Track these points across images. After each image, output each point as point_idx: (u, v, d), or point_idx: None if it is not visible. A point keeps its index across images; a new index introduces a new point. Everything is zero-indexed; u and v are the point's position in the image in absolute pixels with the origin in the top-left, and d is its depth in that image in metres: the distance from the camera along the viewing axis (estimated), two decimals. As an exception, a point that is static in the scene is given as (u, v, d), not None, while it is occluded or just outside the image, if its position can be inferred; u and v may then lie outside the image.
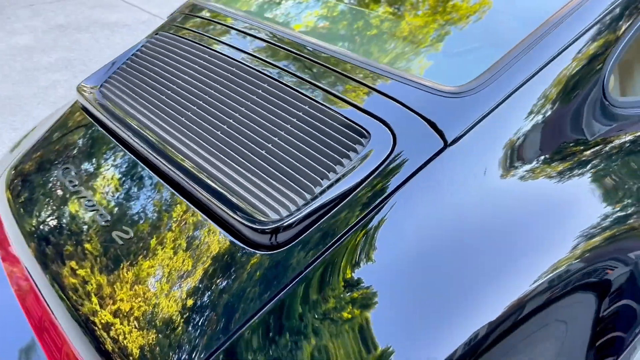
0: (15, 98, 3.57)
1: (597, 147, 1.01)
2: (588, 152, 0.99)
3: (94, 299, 0.95)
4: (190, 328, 0.85)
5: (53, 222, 1.13)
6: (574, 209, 0.94)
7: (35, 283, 1.10)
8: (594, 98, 1.01)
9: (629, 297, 0.94)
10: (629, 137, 1.05)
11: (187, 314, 0.87)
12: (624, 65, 1.13)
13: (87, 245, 1.04)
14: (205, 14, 1.51)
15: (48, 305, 1.05)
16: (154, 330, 0.87)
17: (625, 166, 1.02)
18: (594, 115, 1.02)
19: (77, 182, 1.18)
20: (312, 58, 1.16)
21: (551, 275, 0.86)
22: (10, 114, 3.36)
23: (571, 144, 0.98)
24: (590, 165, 0.98)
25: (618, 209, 0.96)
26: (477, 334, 0.79)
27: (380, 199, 0.89)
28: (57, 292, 1.02)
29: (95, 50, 4.37)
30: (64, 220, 1.12)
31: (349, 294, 0.83)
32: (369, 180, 0.91)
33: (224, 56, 1.25)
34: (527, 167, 0.94)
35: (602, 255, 0.91)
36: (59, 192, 1.19)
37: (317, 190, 0.92)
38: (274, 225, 0.89)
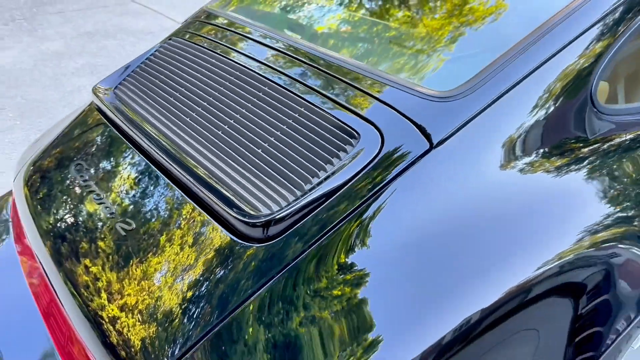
0: (43, 101, 3.71)
1: (581, 153, 1.03)
2: (572, 157, 1.02)
3: (98, 285, 1.02)
4: (187, 309, 0.91)
5: (65, 215, 1.20)
6: (555, 211, 0.97)
7: (45, 272, 1.17)
8: (580, 105, 1.04)
9: (606, 295, 0.97)
10: (612, 143, 1.08)
11: (185, 298, 0.92)
12: (616, 74, 1.16)
13: (93, 235, 1.11)
14: (216, 21, 1.58)
15: (56, 294, 1.12)
16: (154, 312, 0.93)
17: (608, 171, 1.04)
18: (581, 122, 1.04)
19: (88, 177, 1.25)
20: (308, 63, 1.21)
21: (530, 274, 0.89)
22: (38, 116, 3.49)
23: (555, 149, 1.01)
24: (573, 170, 1.01)
25: (598, 212, 0.99)
26: (458, 329, 0.83)
27: (366, 197, 0.94)
28: (65, 281, 1.09)
29: (120, 57, 4.50)
30: (75, 213, 1.19)
31: (335, 281, 0.87)
32: (356, 178, 0.96)
33: (229, 61, 1.32)
34: (509, 170, 0.97)
35: (580, 256, 0.94)
36: (72, 187, 1.26)
37: (308, 187, 0.97)
38: (265, 219, 0.94)
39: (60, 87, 3.95)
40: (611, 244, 0.97)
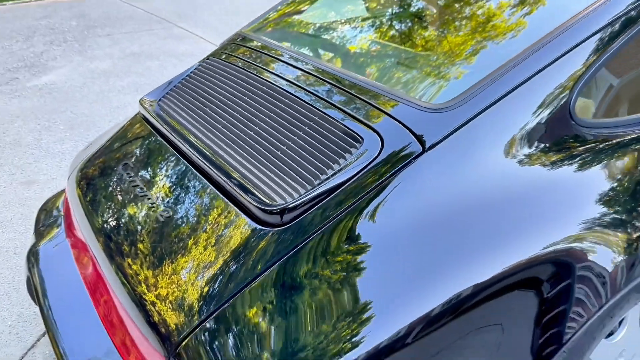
0: (91, 116, 4.00)
1: (556, 160, 1.18)
2: (547, 164, 1.16)
3: (138, 262, 1.20)
4: (216, 278, 1.08)
5: (113, 203, 1.40)
6: (529, 209, 1.11)
7: (92, 254, 1.37)
8: (559, 118, 1.19)
9: (572, 284, 1.10)
10: (589, 151, 1.22)
11: (215, 269, 1.10)
12: (594, 92, 1.30)
13: (135, 221, 1.30)
14: (249, 43, 1.78)
15: (102, 271, 1.31)
16: (190, 280, 1.11)
17: (582, 176, 1.18)
18: (559, 133, 1.19)
19: (133, 174, 1.45)
20: (323, 79, 1.40)
21: (503, 266, 1.04)
22: (85, 130, 3.77)
23: (532, 155, 1.16)
24: (547, 174, 1.15)
25: (569, 209, 1.13)
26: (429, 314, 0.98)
27: (366, 191, 1.11)
28: (109, 259, 1.28)
29: (162, 76, 4.80)
30: (121, 202, 1.39)
31: (335, 259, 1.04)
32: (358, 176, 1.13)
33: (257, 77, 1.51)
34: (489, 171, 1.12)
35: (548, 250, 1.08)
36: (119, 181, 1.46)
37: (317, 182, 1.14)
38: (280, 208, 1.12)
39: (106, 103, 4.25)
40: (575, 241, 1.11)
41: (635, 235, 1.18)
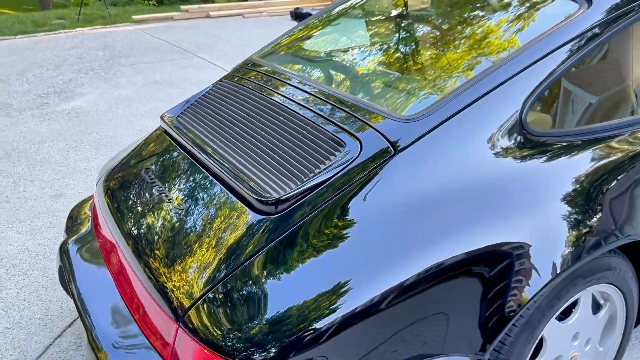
0: (115, 137, 4.31)
1: (506, 163, 1.39)
2: (497, 165, 1.38)
3: (158, 246, 1.43)
4: (222, 257, 1.31)
5: (136, 200, 1.64)
6: (480, 204, 1.32)
7: (116, 242, 1.60)
8: (511, 126, 1.40)
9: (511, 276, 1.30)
10: (538, 157, 1.43)
11: (220, 250, 1.32)
12: (546, 105, 1.53)
13: (154, 213, 1.54)
14: (257, 68, 2.05)
15: (125, 257, 1.54)
16: (198, 261, 1.33)
17: (529, 179, 1.39)
18: (510, 139, 1.41)
19: (154, 176, 1.70)
20: (315, 95, 1.64)
21: (455, 254, 1.25)
22: (110, 150, 4.07)
23: (485, 158, 1.37)
24: (497, 174, 1.37)
25: (518, 204, 1.34)
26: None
27: (345, 186, 1.33)
28: (130, 244, 1.51)
29: (182, 102, 5.11)
30: (143, 199, 1.63)
31: (319, 240, 1.26)
32: (339, 174, 1.35)
33: (262, 95, 1.76)
34: (450, 168, 1.34)
35: (490, 242, 1.29)
36: (141, 182, 1.71)
37: (306, 179, 1.37)
38: (274, 199, 1.34)
39: (130, 126, 4.56)
40: (519, 229, 1.32)
41: (573, 224, 1.37)
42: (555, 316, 1.43)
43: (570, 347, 1.55)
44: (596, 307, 1.63)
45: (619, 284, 1.57)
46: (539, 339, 1.42)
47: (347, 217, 1.30)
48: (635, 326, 1.75)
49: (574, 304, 1.54)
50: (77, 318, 2.27)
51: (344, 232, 1.28)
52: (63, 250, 1.88)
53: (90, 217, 2.04)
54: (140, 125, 4.56)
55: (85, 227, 1.98)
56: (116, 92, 5.53)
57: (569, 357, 1.56)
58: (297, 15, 10.24)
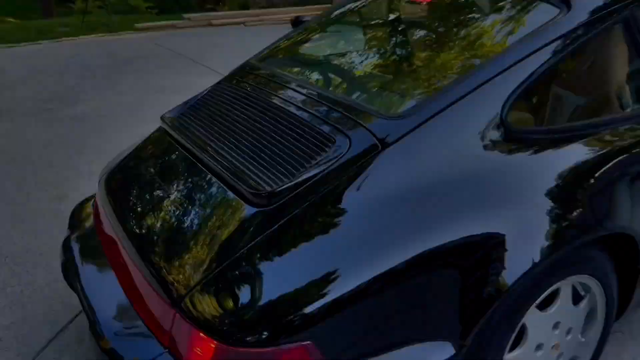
0: (118, 142, 4.38)
1: (487, 158, 1.47)
2: (478, 159, 1.45)
3: (158, 238, 1.51)
4: (221, 247, 1.38)
5: (137, 194, 1.72)
6: (463, 195, 1.40)
7: (117, 236, 1.68)
8: (493, 123, 1.48)
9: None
10: (517, 152, 1.50)
11: (217, 240, 1.40)
12: (526, 103, 1.60)
13: (154, 207, 1.61)
14: (254, 70, 2.13)
15: (125, 251, 1.62)
16: (196, 250, 1.41)
17: (509, 171, 1.47)
18: (492, 135, 1.48)
19: (154, 172, 1.78)
20: (308, 95, 1.72)
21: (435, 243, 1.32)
22: (113, 154, 4.12)
23: (465, 152, 1.45)
24: (480, 168, 1.44)
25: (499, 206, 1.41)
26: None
27: (335, 180, 1.41)
28: (130, 236, 1.58)
29: (184, 108, 5.20)
30: (143, 193, 1.70)
31: (307, 229, 1.33)
32: (329, 169, 1.43)
33: (258, 96, 1.85)
34: (432, 161, 1.42)
35: (468, 231, 1.36)
36: (142, 177, 1.79)
37: (297, 173, 1.45)
38: (267, 193, 1.42)
39: (132, 131, 4.64)
40: (494, 228, 1.39)
41: (552, 216, 1.44)
42: (535, 305, 1.50)
43: (552, 336, 1.61)
44: (578, 298, 1.69)
45: (598, 276, 1.63)
46: (520, 326, 1.49)
47: (336, 209, 1.37)
48: (616, 319, 1.81)
49: (555, 295, 1.61)
50: (79, 313, 2.34)
51: (333, 222, 1.35)
52: (66, 246, 1.95)
53: (92, 213, 2.12)
54: (143, 130, 4.61)
55: (88, 223, 2.05)
56: (119, 98, 5.62)
57: (550, 345, 1.62)
58: (298, 24, 10.37)
